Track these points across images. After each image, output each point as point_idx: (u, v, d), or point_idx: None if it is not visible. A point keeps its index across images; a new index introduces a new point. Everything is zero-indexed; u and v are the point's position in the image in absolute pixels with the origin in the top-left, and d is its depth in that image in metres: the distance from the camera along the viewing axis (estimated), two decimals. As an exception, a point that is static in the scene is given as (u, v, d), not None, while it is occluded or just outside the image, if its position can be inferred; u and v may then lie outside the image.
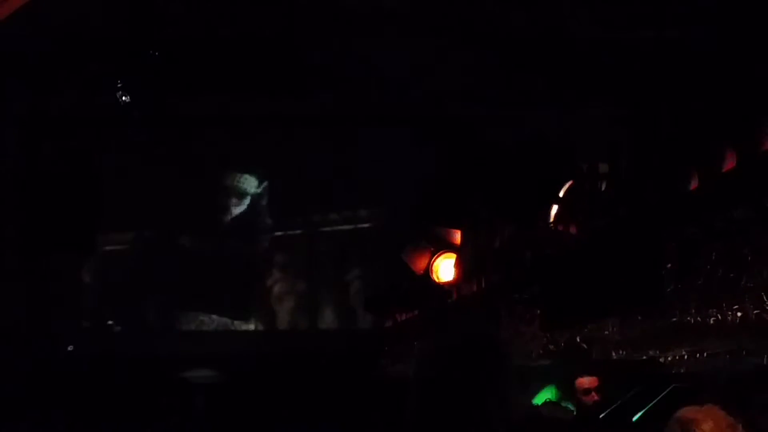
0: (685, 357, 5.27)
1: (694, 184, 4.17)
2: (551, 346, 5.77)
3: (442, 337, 2.81)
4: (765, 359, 4.35)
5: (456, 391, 2.63)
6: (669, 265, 4.31)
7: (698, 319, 4.22)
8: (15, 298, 9.94)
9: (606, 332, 5.10)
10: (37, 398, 9.57)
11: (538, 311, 5.86)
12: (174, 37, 8.50)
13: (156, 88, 9.23)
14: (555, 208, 5.67)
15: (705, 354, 5.10)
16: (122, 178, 10.61)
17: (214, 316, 10.81)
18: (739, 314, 4.03)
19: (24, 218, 10.07)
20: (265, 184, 10.96)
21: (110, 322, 10.67)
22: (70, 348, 10.42)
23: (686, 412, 3.67)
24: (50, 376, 9.88)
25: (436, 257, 7.52)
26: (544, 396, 7.00)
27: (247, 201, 11.02)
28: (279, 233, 11.01)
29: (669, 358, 5.41)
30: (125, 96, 8.66)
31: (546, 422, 6.47)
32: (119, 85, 8.62)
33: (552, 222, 5.66)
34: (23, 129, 10.08)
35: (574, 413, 6.67)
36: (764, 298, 3.92)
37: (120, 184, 10.58)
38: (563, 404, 6.84)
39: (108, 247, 10.69)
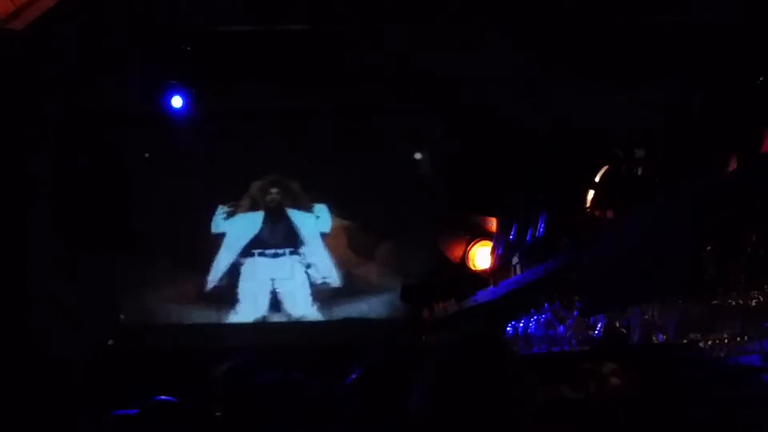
0: (726, 341, 5.23)
1: (732, 166, 4.14)
2: (590, 332, 5.73)
3: (443, 335, 2.82)
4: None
5: (455, 387, 2.63)
6: (709, 248, 4.28)
7: (740, 301, 4.18)
8: (53, 294, 10.02)
9: (646, 317, 5.06)
10: (78, 393, 9.65)
11: (576, 297, 5.83)
12: (205, 31, 8.54)
13: (189, 85, 9.28)
14: (591, 194, 5.66)
15: (746, 338, 5.06)
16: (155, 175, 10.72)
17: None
18: (782, 296, 4.00)
19: (60, 216, 10.16)
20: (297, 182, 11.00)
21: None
22: (110, 342, 10.51)
23: None
24: (90, 372, 9.97)
25: (473, 245, 7.54)
26: None
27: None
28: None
29: (709, 343, 5.37)
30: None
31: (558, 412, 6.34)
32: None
33: (588, 207, 5.64)
34: (58, 128, 10.16)
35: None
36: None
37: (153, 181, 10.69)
38: None
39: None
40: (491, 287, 7.32)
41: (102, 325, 10.52)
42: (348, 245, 10.97)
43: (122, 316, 10.75)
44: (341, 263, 10.95)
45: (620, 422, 4.33)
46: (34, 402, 8.71)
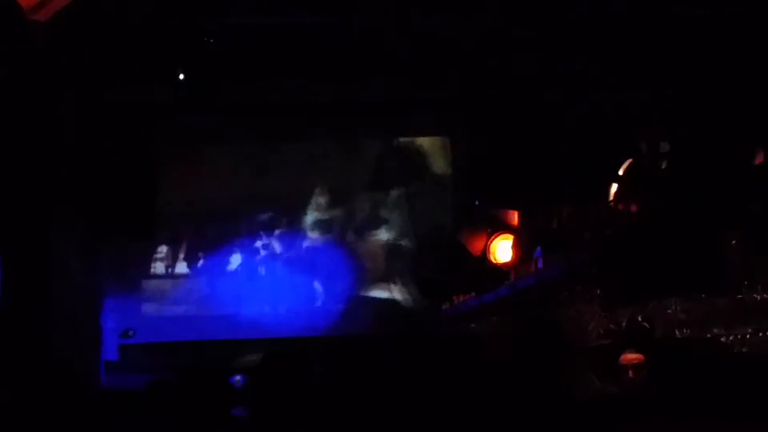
0: (748, 336, 5.21)
1: (758, 160, 4.14)
2: (612, 326, 5.72)
3: (508, 325, 2.83)
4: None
5: (528, 374, 2.64)
6: (733, 242, 4.27)
7: (765, 296, 4.17)
8: (75, 285, 10.06)
9: (668, 311, 5.05)
10: (100, 383, 9.70)
11: (598, 290, 5.82)
12: (227, 24, 8.55)
13: (210, 76, 9.28)
14: (614, 187, 5.65)
15: (768, 333, 5.04)
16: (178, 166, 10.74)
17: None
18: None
19: (83, 207, 10.18)
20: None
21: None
22: (131, 334, 10.52)
23: None
24: (111, 363, 10.01)
25: (494, 238, 7.50)
26: None
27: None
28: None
29: (731, 338, 5.35)
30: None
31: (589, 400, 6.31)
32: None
33: (612, 201, 5.63)
34: (81, 120, 10.18)
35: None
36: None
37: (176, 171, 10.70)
38: None
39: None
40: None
41: (123, 315, 10.55)
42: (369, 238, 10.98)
43: (142, 308, 10.78)
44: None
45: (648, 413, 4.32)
46: (52, 393, 8.75)
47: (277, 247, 10.97)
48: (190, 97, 9.29)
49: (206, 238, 10.98)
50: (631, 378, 6.25)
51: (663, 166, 5.15)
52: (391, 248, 10.95)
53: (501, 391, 2.72)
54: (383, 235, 10.97)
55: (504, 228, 7.53)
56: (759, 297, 4.21)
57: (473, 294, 8.27)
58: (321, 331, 10.35)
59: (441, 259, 9.83)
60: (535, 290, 6.83)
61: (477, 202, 8.85)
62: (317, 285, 10.87)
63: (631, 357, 6.42)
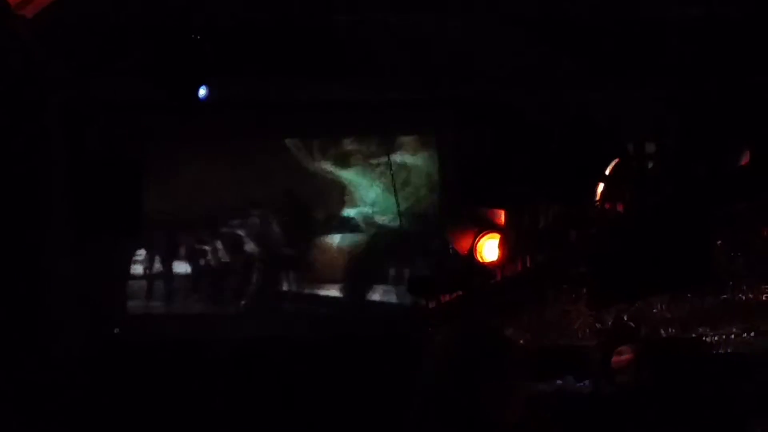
0: (733, 336, 5.22)
1: (744, 160, 4.14)
2: (598, 325, 5.74)
3: (443, 333, 2.83)
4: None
5: (456, 383, 2.64)
6: (719, 242, 4.28)
7: (750, 296, 4.18)
8: (61, 282, 10.04)
9: (654, 310, 5.06)
10: (83, 381, 9.68)
11: (585, 290, 5.83)
12: (214, 21, 8.54)
13: (198, 73, 9.26)
14: (601, 187, 5.65)
15: (753, 333, 5.05)
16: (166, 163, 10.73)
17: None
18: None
19: (69, 204, 10.16)
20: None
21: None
22: (116, 331, 10.53)
23: None
24: (97, 359, 9.99)
25: (480, 237, 7.50)
26: None
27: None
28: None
29: (716, 338, 5.36)
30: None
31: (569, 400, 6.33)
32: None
33: (598, 200, 5.64)
34: (67, 115, 10.16)
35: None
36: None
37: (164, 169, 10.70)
38: None
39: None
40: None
41: (109, 313, 10.55)
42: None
43: (129, 305, 10.78)
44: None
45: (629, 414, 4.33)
46: (41, 391, 8.73)
47: (261, 247, 10.99)
48: (176, 95, 9.27)
49: (183, 241, 11.01)
50: (626, 375, 6.24)
51: (649, 166, 5.15)
52: (377, 248, 10.98)
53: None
54: (369, 236, 11.00)
55: (491, 227, 7.53)
56: (744, 297, 4.22)
57: (459, 293, 8.28)
58: (301, 332, 10.39)
59: (428, 259, 9.87)
60: (521, 289, 6.85)
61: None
62: (299, 288, 10.90)
63: (626, 356, 6.41)
